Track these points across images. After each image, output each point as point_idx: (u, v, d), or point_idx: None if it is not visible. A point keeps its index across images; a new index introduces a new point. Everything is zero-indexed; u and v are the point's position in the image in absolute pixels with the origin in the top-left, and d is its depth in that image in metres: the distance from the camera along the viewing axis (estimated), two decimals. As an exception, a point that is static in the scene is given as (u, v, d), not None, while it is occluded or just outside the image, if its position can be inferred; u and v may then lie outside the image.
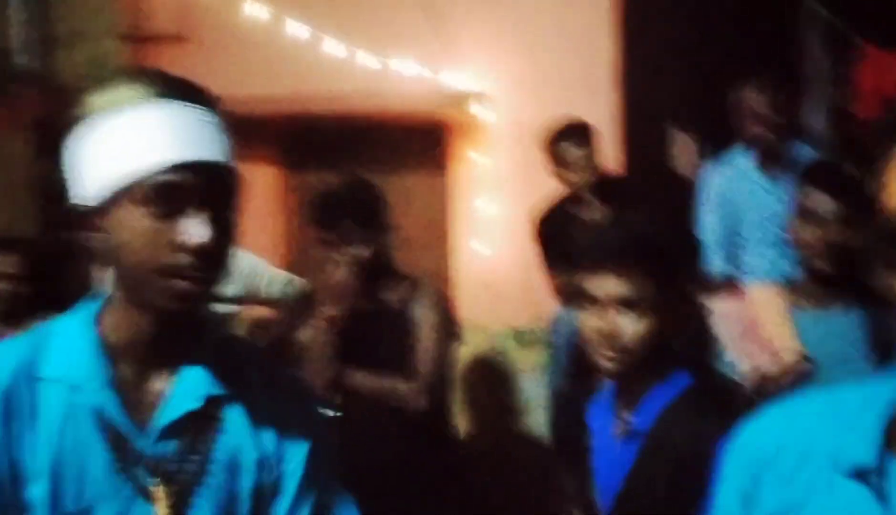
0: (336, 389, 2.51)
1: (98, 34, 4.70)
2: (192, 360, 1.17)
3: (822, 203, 2.10)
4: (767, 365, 2.16)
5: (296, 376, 1.41)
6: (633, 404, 1.72)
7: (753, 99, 3.26)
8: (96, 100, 1.11)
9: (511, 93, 4.37)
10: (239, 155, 4.02)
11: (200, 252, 1.07)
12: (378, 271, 2.53)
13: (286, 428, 1.23)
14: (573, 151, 3.32)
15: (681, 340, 1.78)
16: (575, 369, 2.97)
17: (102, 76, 3.71)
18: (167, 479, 1.13)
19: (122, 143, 1.09)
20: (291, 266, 4.49)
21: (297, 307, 3.26)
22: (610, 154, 4.16)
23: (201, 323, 1.22)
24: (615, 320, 1.64)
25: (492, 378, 3.45)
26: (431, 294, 2.59)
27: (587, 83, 4.26)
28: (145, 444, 1.14)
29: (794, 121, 3.32)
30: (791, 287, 2.27)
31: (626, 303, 1.63)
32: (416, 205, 4.61)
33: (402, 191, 4.60)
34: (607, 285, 1.65)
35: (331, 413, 2.63)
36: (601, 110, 4.21)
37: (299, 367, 2.54)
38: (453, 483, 2.60)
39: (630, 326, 1.63)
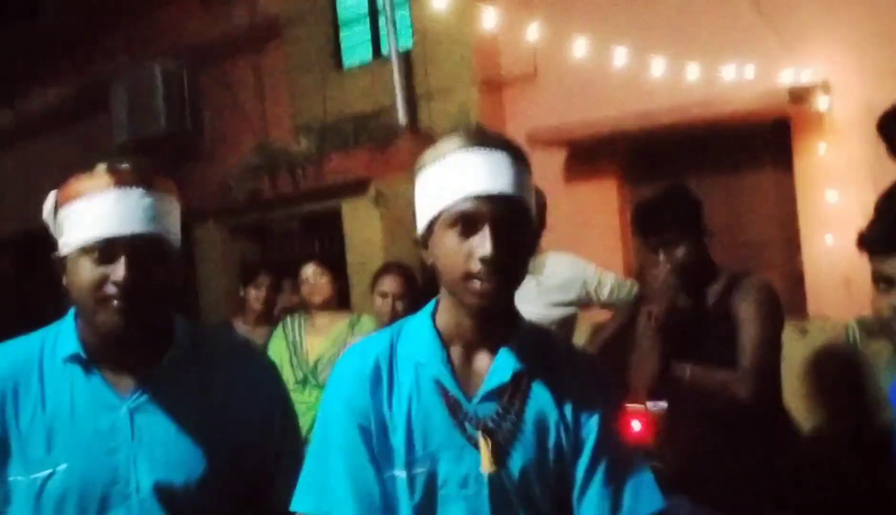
0: (663, 381, 2.69)
1: (460, 86, 5.41)
2: (506, 344, 1.51)
3: None
4: None
5: (592, 359, 1.65)
6: None
7: None
8: (427, 155, 1.50)
9: (857, 81, 4.18)
10: (582, 173, 4.41)
11: (487, 261, 1.41)
12: (698, 270, 2.68)
13: (582, 400, 1.52)
14: (908, 132, 3.14)
15: None
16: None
17: (465, 122, 4.36)
18: (489, 433, 1.47)
19: (439, 184, 1.47)
20: (631, 271, 4.74)
21: (631, 308, 3.49)
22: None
23: (512, 317, 1.56)
24: None
25: (842, 371, 3.34)
26: (752, 287, 2.66)
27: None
28: (472, 406, 1.49)
29: None
30: None
31: None
32: (764, 204, 4.59)
33: (748, 191, 4.61)
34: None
35: (661, 404, 2.82)
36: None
37: (630, 363, 2.75)
38: (784, 475, 2.61)
39: None
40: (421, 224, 1.49)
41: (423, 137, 5.38)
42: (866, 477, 2.38)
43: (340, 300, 4.08)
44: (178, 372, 1.66)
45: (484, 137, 1.47)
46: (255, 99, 6.48)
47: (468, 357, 1.52)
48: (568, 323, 3.32)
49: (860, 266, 1.82)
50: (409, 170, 4.97)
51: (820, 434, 3.25)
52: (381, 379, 1.51)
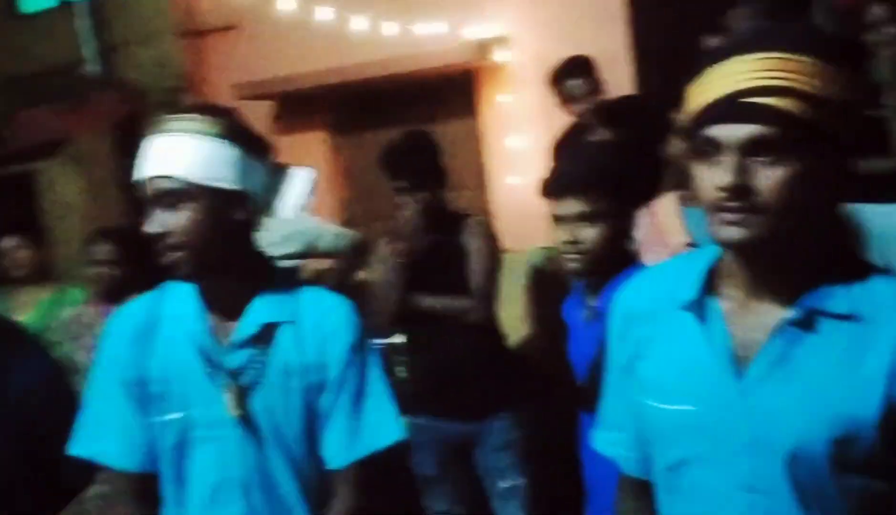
0: (405, 313, 2.97)
1: (158, 35, 5.24)
2: (255, 299, 1.68)
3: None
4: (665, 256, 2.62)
5: (337, 300, 1.80)
6: (598, 294, 2.16)
7: (738, 22, 3.46)
8: (151, 127, 1.65)
9: (533, 36, 4.71)
10: (290, 125, 4.54)
11: (153, 237, 1.58)
12: (436, 211, 2.97)
13: (325, 341, 1.71)
14: (573, 85, 3.69)
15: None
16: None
17: (165, 73, 4.25)
18: (236, 379, 1.65)
19: (142, 157, 1.62)
20: (342, 218, 5.02)
21: (351, 255, 3.76)
22: (624, 82, 4.49)
23: (259, 272, 1.72)
24: (575, 232, 2.09)
25: (531, 293, 3.86)
26: (478, 225, 3.04)
27: (598, 18, 4.56)
28: (223, 357, 1.66)
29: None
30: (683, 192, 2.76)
31: (584, 218, 2.08)
32: (454, 150, 5.02)
33: (442, 138, 5.02)
34: (568, 206, 2.09)
35: (397, 338, 3.10)
36: (613, 42, 4.52)
37: (366, 302, 2.99)
38: (508, 380, 3.03)
39: (587, 235, 2.08)
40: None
41: (122, 90, 5.17)
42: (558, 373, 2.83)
43: (42, 271, 3.87)
44: None
45: (173, 121, 1.62)
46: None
47: (224, 312, 1.68)
48: (293, 275, 3.50)
49: (534, 202, 2.23)
50: (109, 125, 4.83)
51: (520, 346, 3.74)
52: (144, 335, 1.69)
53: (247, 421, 1.65)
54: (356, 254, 3.81)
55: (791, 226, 1.17)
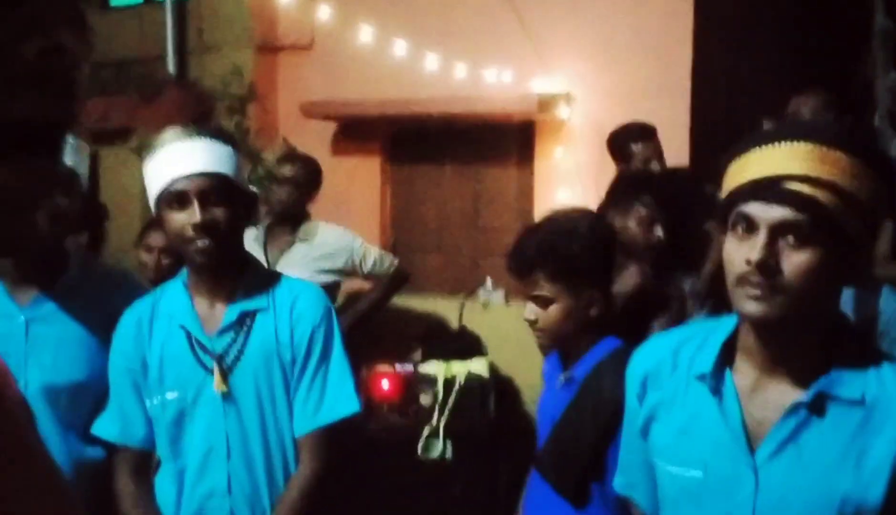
0: None
1: (234, 44, 5.42)
2: (237, 291, 1.94)
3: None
4: None
5: (310, 287, 2.05)
6: (574, 361, 2.13)
7: (800, 109, 3.51)
8: (151, 146, 1.89)
9: (592, 97, 4.80)
10: (349, 148, 4.71)
11: (198, 227, 1.83)
12: None
13: (299, 324, 1.94)
14: (633, 149, 3.74)
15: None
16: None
17: (236, 82, 4.38)
18: (219, 360, 1.90)
19: (156, 170, 1.87)
20: (387, 244, 5.10)
21: (389, 280, 3.84)
22: (682, 152, 4.54)
23: (244, 268, 1.97)
24: (532, 311, 2.06)
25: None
26: None
27: (663, 88, 4.63)
28: (210, 343, 1.92)
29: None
30: None
31: (536, 300, 2.04)
32: (506, 196, 5.12)
33: (494, 182, 5.13)
34: (526, 286, 2.08)
35: (408, 366, 3.12)
36: (675, 112, 4.58)
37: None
38: None
39: (542, 315, 2.04)
40: (152, 203, 1.89)
41: (191, 91, 5.35)
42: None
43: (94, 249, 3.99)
44: (71, 291, 2.06)
45: (191, 130, 1.88)
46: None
47: (212, 305, 1.94)
48: (332, 290, 3.59)
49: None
50: (174, 122, 5.06)
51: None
52: (142, 330, 1.95)
53: (232, 396, 1.89)
54: (395, 281, 3.89)
55: (807, 308, 1.23)
